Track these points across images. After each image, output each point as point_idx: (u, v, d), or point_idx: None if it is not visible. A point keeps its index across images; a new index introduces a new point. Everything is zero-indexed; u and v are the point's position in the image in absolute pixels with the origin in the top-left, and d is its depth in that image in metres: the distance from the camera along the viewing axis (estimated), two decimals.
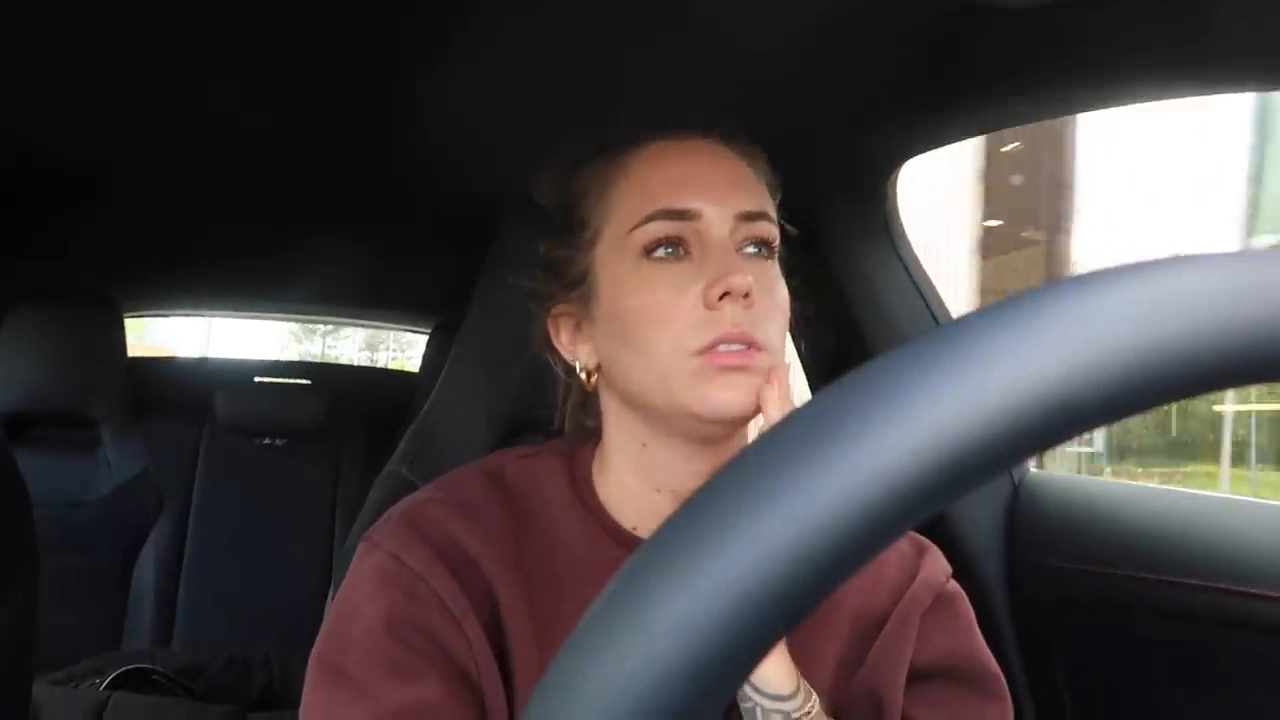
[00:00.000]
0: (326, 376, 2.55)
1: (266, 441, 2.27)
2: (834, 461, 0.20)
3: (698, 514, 0.21)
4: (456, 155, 1.35)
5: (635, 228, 0.66)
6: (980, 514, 1.19)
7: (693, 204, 0.66)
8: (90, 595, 2.02)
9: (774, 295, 0.67)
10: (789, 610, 0.20)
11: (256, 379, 2.40)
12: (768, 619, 0.20)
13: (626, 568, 0.21)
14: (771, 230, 0.69)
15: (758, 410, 0.64)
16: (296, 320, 4.28)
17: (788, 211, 0.73)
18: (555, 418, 0.80)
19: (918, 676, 0.71)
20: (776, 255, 0.70)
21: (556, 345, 0.74)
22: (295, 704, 0.64)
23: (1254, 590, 0.93)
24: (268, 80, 1.08)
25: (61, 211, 1.71)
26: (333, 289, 2.45)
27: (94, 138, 1.31)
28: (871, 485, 0.20)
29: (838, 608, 0.72)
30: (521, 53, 0.97)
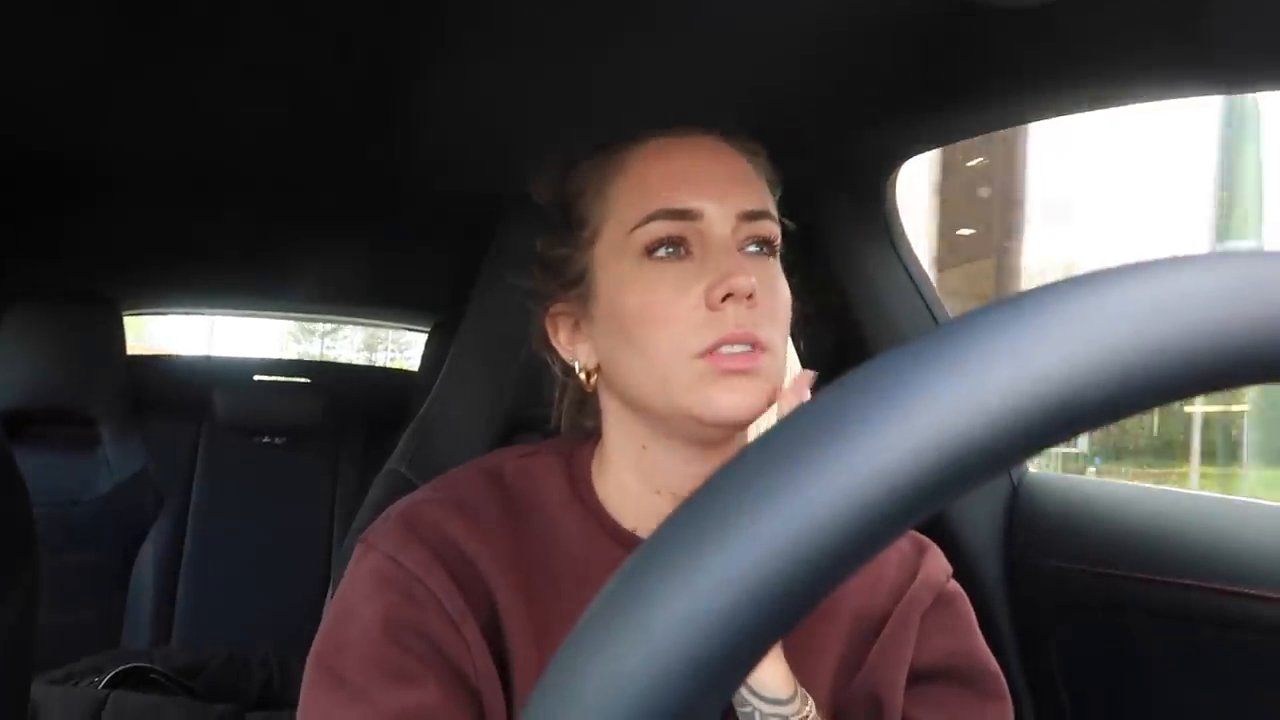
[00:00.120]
0: (325, 375, 2.55)
1: (265, 440, 2.27)
2: (833, 461, 0.20)
3: (698, 513, 0.21)
4: (456, 154, 1.35)
5: (636, 227, 0.66)
6: (979, 514, 1.20)
7: (694, 203, 0.65)
8: (89, 594, 2.02)
9: (777, 294, 0.67)
10: (788, 609, 0.20)
11: (255, 377, 2.40)
12: (767, 618, 0.20)
13: (626, 566, 0.21)
14: (773, 229, 0.68)
15: (760, 413, 0.63)
16: (295, 319, 4.28)
17: (787, 210, 0.72)
18: (552, 416, 0.80)
19: (918, 677, 0.70)
20: (778, 253, 0.69)
21: (555, 344, 0.74)
22: (294, 703, 0.64)
23: (1252, 591, 0.93)
24: (267, 79, 1.08)
25: (60, 210, 1.70)
26: (332, 288, 2.45)
27: (92, 136, 1.31)
28: (871, 485, 0.19)
29: (838, 608, 0.71)
30: (520, 52, 0.97)
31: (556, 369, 0.76)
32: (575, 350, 0.72)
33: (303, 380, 2.47)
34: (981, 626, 0.74)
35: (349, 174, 1.51)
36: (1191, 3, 0.76)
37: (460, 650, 0.64)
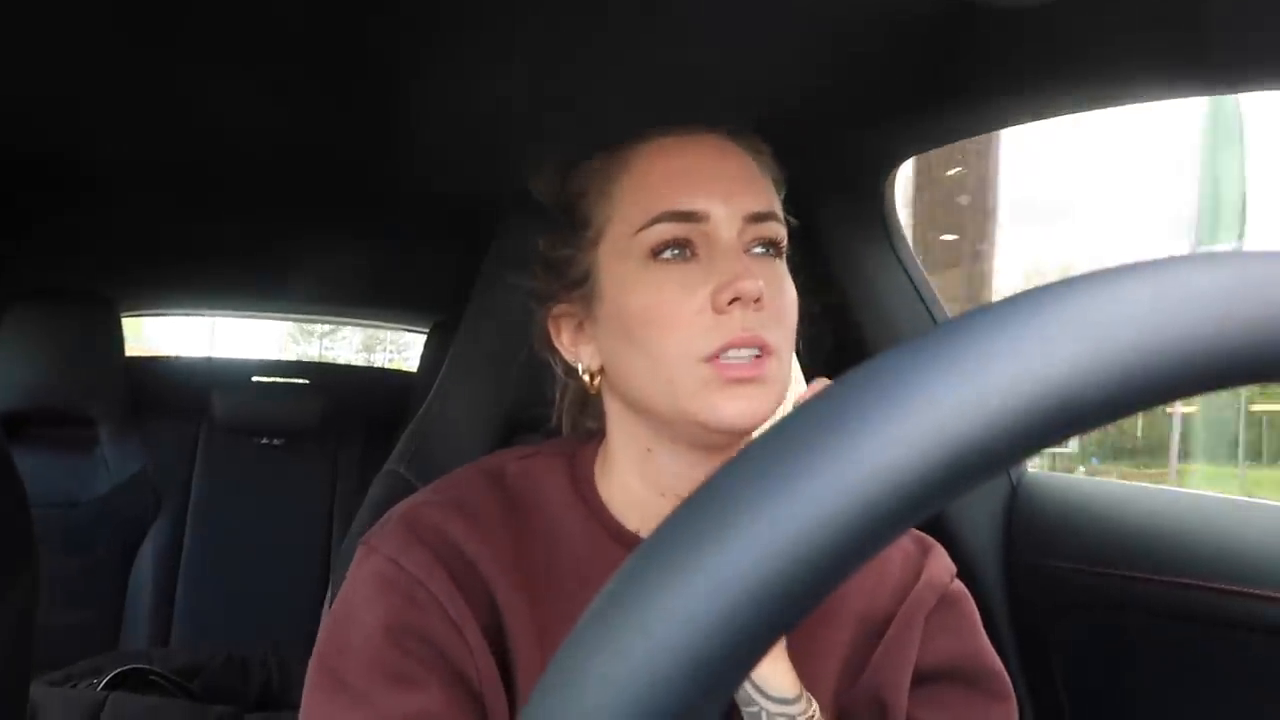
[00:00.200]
0: (324, 376, 2.55)
1: (264, 441, 2.27)
2: (833, 460, 0.20)
3: (697, 512, 0.21)
4: (455, 154, 1.35)
5: (641, 229, 0.65)
6: (978, 513, 1.20)
7: (700, 205, 0.64)
8: (88, 595, 2.02)
9: (783, 296, 0.66)
10: (789, 609, 0.20)
11: (254, 378, 2.40)
12: (768, 617, 0.20)
13: (627, 566, 0.21)
14: (780, 230, 0.68)
15: (766, 419, 0.62)
16: (294, 320, 4.28)
17: (785, 210, 0.72)
18: (553, 416, 0.79)
19: (922, 678, 0.70)
20: (784, 255, 0.68)
21: (557, 345, 0.73)
22: (293, 704, 0.64)
23: (1252, 590, 0.93)
24: (265, 79, 1.08)
25: (59, 211, 1.70)
26: (331, 288, 2.45)
27: (91, 137, 1.31)
28: (871, 483, 0.19)
29: (842, 610, 0.71)
30: (518, 52, 0.97)
31: (559, 370, 0.75)
32: (578, 352, 0.71)
33: (301, 381, 2.47)
34: None
35: (347, 175, 1.50)
36: (1190, 3, 0.76)
37: (463, 653, 0.63)
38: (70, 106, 1.18)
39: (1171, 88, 0.89)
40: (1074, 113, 0.98)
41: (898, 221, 1.28)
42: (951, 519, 1.18)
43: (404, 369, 3.29)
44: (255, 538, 2.17)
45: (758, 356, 0.62)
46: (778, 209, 0.68)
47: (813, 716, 0.63)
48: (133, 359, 2.24)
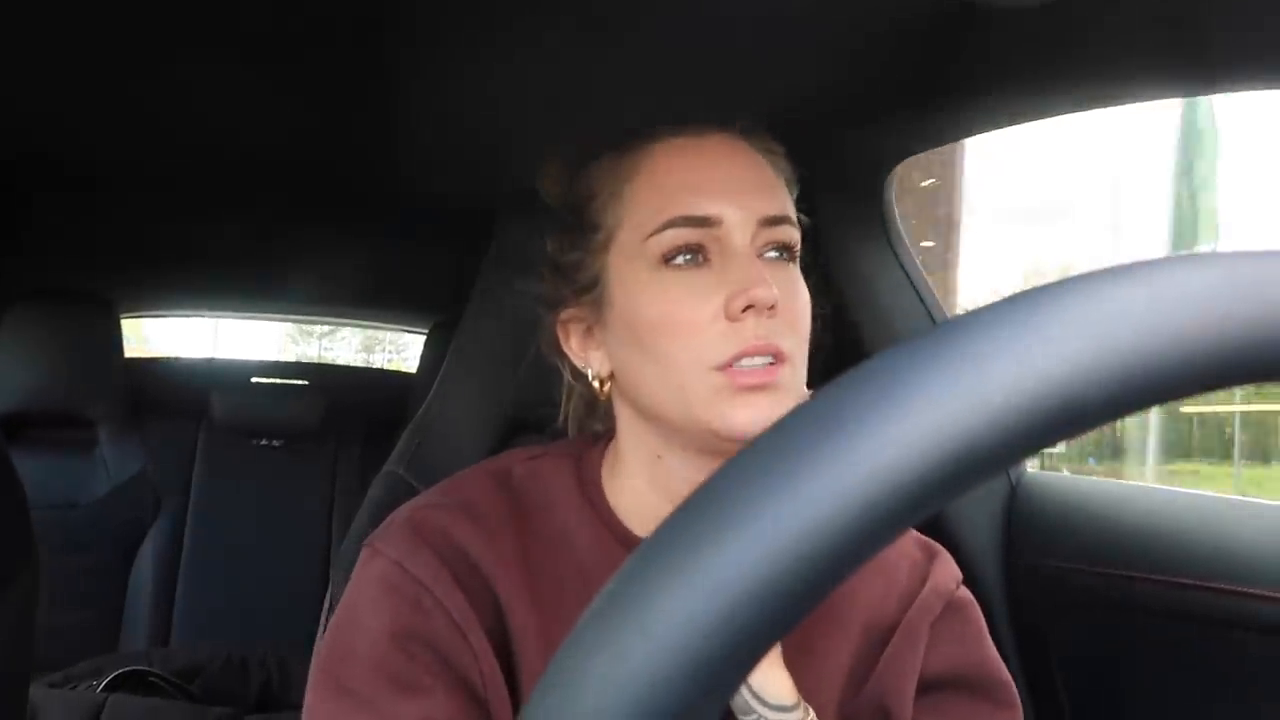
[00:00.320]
0: (323, 377, 2.55)
1: (264, 442, 2.27)
2: (832, 460, 0.20)
3: (697, 512, 0.21)
4: (455, 155, 1.35)
5: (652, 234, 0.63)
6: (978, 513, 1.19)
7: (713, 210, 0.63)
8: (88, 596, 2.02)
9: (797, 301, 0.64)
10: (790, 609, 0.20)
11: (253, 379, 2.40)
12: (768, 618, 0.20)
13: (626, 566, 0.21)
14: (794, 234, 0.66)
15: None
16: (294, 321, 4.29)
17: (796, 208, 0.71)
18: (558, 416, 0.78)
19: (927, 686, 0.69)
20: (798, 258, 0.67)
21: (566, 350, 0.71)
22: (293, 705, 0.64)
23: (1252, 590, 0.93)
24: (266, 80, 1.08)
25: (58, 212, 1.70)
26: (330, 289, 2.44)
27: (91, 138, 1.31)
28: (871, 483, 0.19)
29: (848, 618, 0.70)
30: (516, 52, 0.97)
31: (567, 374, 0.74)
32: (588, 357, 0.70)
33: (301, 382, 2.47)
34: None
35: (347, 176, 1.50)
36: (1189, 3, 0.76)
37: (467, 659, 0.63)
38: (70, 106, 1.18)
39: (1171, 87, 0.89)
40: (1074, 112, 0.98)
41: (897, 221, 1.28)
42: (951, 519, 1.18)
43: (403, 369, 3.29)
44: (255, 539, 2.17)
45: (771, 364, 0.61)
46: (791, 211, 0.67)
47: None
48: (132, 360, 2.24)
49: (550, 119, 1.14)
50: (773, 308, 0.60)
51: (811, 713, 0.63)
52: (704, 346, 0.61)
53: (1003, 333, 0.20)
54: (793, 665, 0.64)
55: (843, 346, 1.27)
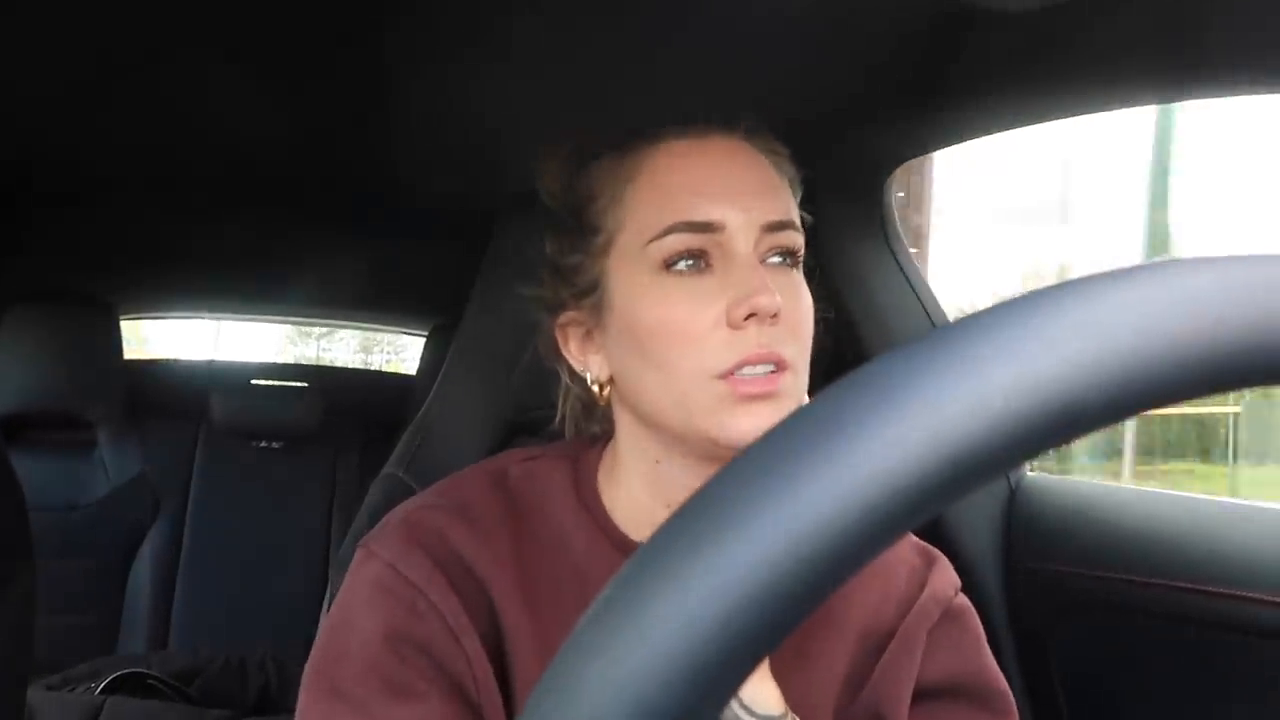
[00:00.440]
0: (323, 379, 2.55)
1: (263, 444, 2.27)
2: (831, 464, 0.20)
3: (695, 516, 0.21)
4: (454, 157, 1.35)
5: (653, 240, 0.62)
6: (977, 517, 1.19)
7: (715, 215, 0.62)
8: (87, 598, 2.02)
9: (800, 308, 0.64)
10: (788, 612, 0.20)
11: (252, 381, 2.40)
12: (766, 621, 0.20)
13: (624, 570, 0.21)
14: (797, 240, 0.65)
15: None
16: (293, 323, 4.28)
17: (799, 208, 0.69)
18: (555, 419, 0.77)
19: (924, 694, 0.68)
20: (801, 264, 0.66)
21: (565, 354, 0.70)
22: (291, 708, 0.64)
23: (1250, 594, 0.93)
24: (265, 81, 1.08)
25: (58, 214, 1.70)
26: (329, 291, 2.44)
27: (91, 140, 1.31)
28: (870, 487, 0.19)
29: (845, 625, 0.69)
30: (516, 53, 0.97)
31: (565, 378, 0.73)
32: (587, 361, 0.69)
33: (300, 384, 2.47)
34: None
35: (347, 177, 1.51)
36: (1189, 6, 0.76)
37: (461, 664, 0.62)
38: (70, 108, 1.18)
39: (1170, 90, 0.89)
40: (1073, 115, 0.98)
41: (896, 223, 1.28)
42: (950, 522, 1.18)
43: (401, 370, 3.29)
44: (254, 541, 2.17)
45: (773, 372, 0.60)
46: (795, 216, 0.66)
47: None
48: (131, 362, 2.24)
49: (551, 120, 1.14)
50: (775, 315, 0.59)
51: None
52: (705, 354, 0.60)
53: (1001, 336, 0.20)
54: (788, 670, 0.64)
55: (842, 349, 1.27)
